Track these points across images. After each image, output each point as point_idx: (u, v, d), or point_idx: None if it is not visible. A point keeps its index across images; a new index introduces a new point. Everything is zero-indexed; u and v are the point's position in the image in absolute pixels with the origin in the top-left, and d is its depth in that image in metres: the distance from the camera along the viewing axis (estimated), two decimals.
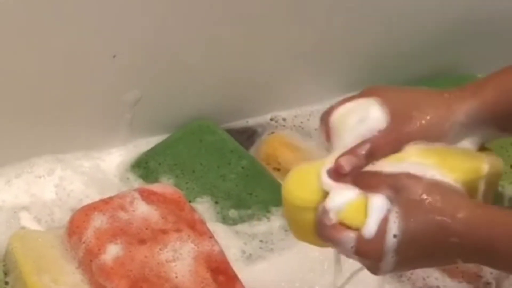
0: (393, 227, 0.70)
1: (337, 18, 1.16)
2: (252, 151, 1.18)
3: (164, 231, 0.97)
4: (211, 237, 0.98)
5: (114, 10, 1.02)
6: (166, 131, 1.16)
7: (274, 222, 1.07)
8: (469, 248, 0.70)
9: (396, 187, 0.71)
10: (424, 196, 0.70)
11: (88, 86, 1.08)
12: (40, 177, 1.08)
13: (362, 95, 0.79)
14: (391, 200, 0.71)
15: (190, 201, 1.06)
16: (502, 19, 1.25)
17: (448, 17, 1.23)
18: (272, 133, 1.21)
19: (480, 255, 0.70)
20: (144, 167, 1.12)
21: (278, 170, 1.16)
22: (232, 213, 1.08)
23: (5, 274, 0.97)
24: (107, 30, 1.04)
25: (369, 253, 0.71)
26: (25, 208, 1.04)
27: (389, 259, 0.71)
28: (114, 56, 1.06)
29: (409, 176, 0.71)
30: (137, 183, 1.09)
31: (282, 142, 1.19)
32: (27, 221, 1.02)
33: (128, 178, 1.10)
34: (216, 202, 1.08)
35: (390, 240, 0.70)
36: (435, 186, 0.71)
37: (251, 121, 1.22)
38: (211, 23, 1.10)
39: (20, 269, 0.93)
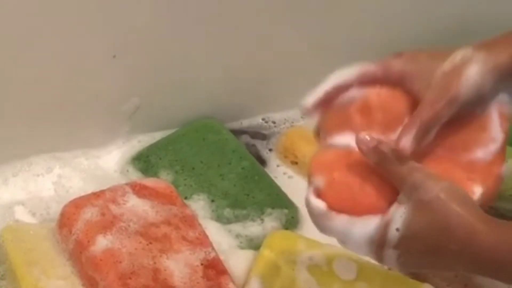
0: (398, 221, 0.70)
1: (333, 18, 1.16)
2: (273, 142, 1.19)
3: (154, 225, 0.97)
4: (202, 231, 0.98)
5: (114, 9, 1.03)
6: (169, 129, 1.17)
7: (267, 224, 1.06)
8: (468, 257, 0.70)
9: (414, 184, 0.71)
10: (435, 199, 0.70)
11: (88, 85, 1.09)
12: (38, 175, 1.08)
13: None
14: (404, 197, 0.72)
15: (186, 198, 1.07)
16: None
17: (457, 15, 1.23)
18: (292, 126, 1.22)
19: (480, 266, 0.70)
20: (144, 160, 1.12)
21: (296, 163, 1.16)
22: (227, 212, 1.07)
23: None
24: (107, 30, 1.04)
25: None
26: (20, 202, 1.04)
27: (390, 252, 0.72)
28: (114, 56, 1.07)
29: (429, 176, 0.71)
30: (136, 176, 1.10)
31: (301, 135, 1.18)
32: (22, 214, 1.03)
33: (128, 171, 1.11)
34: (212, 200, 1.08)
35: (392, 233, 0.71)
36: (450, 192, 0.71)
37: (245, 122, 1.22)
38: (211, 21, 1.10)
39: (11, 260, 0.94)
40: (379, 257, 0.74)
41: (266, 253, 0.98)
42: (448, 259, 0.71)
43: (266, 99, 1.22)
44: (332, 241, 1.00)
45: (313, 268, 0.96)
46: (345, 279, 0.96)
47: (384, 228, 0.72)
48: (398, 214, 0.71)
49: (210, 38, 1.11)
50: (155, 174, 1.10)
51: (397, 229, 0.71)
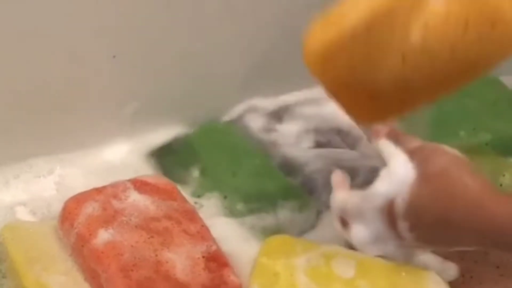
0: (404, 192, 0.73)
1: None
2: None
3: (155, 219, 0.96)
4: (203, 225, 0.98)
5: (114, 8, 1.03)
6: (171, 129, 1.17)
7: (281, 215, 1.06)
8: (475, 228, 0.71)
9: (422, 158, 0.73)
10: (441, 171, 0.72)
11: (88, 85, 1.09)
12: (39, 176, 1.08)
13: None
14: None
15: (199, 196, 1.07)
16: None
17: None
18: None
19: (489, 238, 0.70)
20: (155, 161, 1.13)
21: None
22: (240, 206, 1.07)
23: None
24: (107, 30, 1.04)
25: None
26: (21, 202, 1.04)
27: (402, 224, 0.74)
28: (114, 56, 1.07)
29: (436, 149, 0.74)
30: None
31: None
32: (23, 214, 1.02)
33: (131, 171, 1.10)
34: (225, 197, 1.08)
35: (399, 203, 0.73)
36: (457, 164, 0.72)
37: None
38: (212, 21, 1.11)
39: (11, 258, 0.93)
40: (396, 233, 0.75)
41: (263, 261, 0.95)
42: (455, 230, 0.71)
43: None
44: (329, 240, 1.00)
45: (312, 270, 0.94)
46: (345, 277, 0.95)
47: (392, 200, 0.73)
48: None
49: (211, 38, 1.11)
50: (164, 175, 1.09)
51: (403, 199, 0.72)
